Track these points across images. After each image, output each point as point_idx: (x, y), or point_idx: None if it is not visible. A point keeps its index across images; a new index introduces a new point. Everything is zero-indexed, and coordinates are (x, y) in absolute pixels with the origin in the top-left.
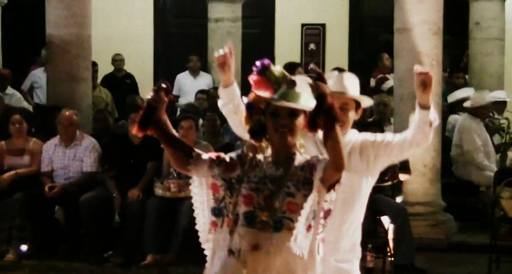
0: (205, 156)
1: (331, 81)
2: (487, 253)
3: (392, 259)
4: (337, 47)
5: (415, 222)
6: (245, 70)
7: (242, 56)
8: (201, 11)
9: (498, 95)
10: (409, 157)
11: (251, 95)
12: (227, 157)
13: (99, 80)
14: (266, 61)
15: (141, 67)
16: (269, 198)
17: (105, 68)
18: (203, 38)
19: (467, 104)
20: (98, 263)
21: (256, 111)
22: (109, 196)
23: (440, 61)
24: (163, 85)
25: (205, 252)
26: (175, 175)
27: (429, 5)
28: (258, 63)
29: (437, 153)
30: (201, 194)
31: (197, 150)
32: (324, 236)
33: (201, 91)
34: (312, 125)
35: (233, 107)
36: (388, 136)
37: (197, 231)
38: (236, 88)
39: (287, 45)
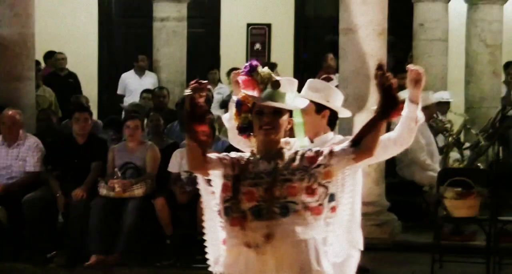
0: (212, 155)
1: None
2: (431, 253)
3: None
4: (283, 47)
5: None
6: (191, 69)
7: (187, 56)
8: (146, 10)
9: (442, 96)
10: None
11: (240, 95)
12: (227, 157)
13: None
14: (254, 62)
15: (86, 67)
16: (269, 189)
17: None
18: (148, 38)
19: None
20: (41, 264)
21: (243, 109)
22: (53, 196)
23: (384, 62)
24: (203, 82)
25: (209, 250)
26: (120, 175)
27: (373, 6)
28: (246, 64)
29: None
30: (212, 195)
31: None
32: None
33: (146, 91)
34: (384, 114)
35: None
36: None
37: (141, 231)
38: None
39: (232, 45)
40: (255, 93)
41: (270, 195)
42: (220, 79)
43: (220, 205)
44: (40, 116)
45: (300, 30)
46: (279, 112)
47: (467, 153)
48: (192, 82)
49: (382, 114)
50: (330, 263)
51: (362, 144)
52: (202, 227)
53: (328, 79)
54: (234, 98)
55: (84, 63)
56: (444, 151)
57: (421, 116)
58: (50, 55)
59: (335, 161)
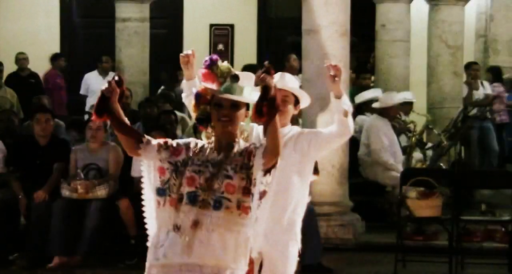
0: (154, 141)
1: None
2: (394, 252)
3: (299, 259)
4: (246, 47)
5: (322, 222)
6: (153, 70)
7: (150, 57)
8: (108, 11)
9: (405, 96)
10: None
11: (199, 87)
12: (174, 143)
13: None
14: (215, 56)
15: (47, 68)
16: (210, 179)
17: (11, 68)
18: (110, 38)
19: (375, 105)
20: (3, 266)
21: (202, 101)
22: (15, 197)
23: (347, 63)
24: (116, 78)
25: (148, 228)
26: (82, 176)
27: (336, 7)
28: (207, 58)
29: (345, 153)
30: (149, 176)
31: (147, 137)
32: (259, 216)
33: None
34: (259, 114)
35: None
36: (319, 128)
37: (103, 233)
38: (197, 82)
39: (195, 46)
40: (214, 86)
41: (209, 185)
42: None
43: (157, 186)
44: (1, 117)
45: (262, 31)
46: (237, 105)
47: (429, 153)
48: (111, 79)
49: (258, 114)
50: (248, 258)
51: (266, 148)
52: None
53: None
54: (194, 90)
55: (45, 64)
56: (407, 151)
57: (348, 107)
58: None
59: (255, 161)
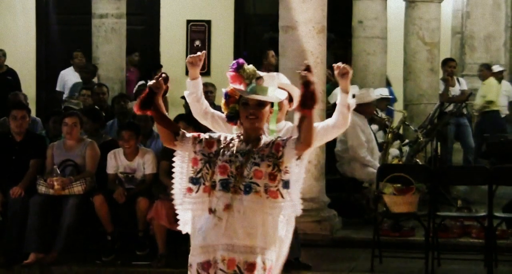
0: (188, 134)
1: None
2: (370, 248)
3: None
4: (223, 44)
5: (299, 218)
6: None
7: (127, 53)
8: (84, 7)
9: (381, 92)
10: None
11: (228, 88)
12: (206, 136)
13: None
14: (241, 60)
15: (24, 64)
16: (240, 168)
17: None
18: (87, 35)
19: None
20: None
21: (231, 101)
22: None
23: (324, 60)
24: (164, 75)
25: (180, 213)
26: (59, 172)
27: (313, 4)
28: (234, 62)
29: (322, 150)
30: (182, 166)
31: (182, 130)
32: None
33: (85, 88)
34: (303, 106)
35: (196, 96)
36: (318, 123)
37: (80, 230)
38: (200, 82)
39: (172, 42)
40: (241, 87)
41: (239, 173)
42: None
43: (190, 174)
44: None
45: (240, 27)
46: (262, 104)
47: (406, 149)
48: (158, 75)
49: (303, 106)
50: (277, 237)
51: (299, 138)
52: (142, 224)
53: None
54: (223, 90)
55: (21, 60)
56: (383, 148)
57: (352, 103)
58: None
59: (285, 152)
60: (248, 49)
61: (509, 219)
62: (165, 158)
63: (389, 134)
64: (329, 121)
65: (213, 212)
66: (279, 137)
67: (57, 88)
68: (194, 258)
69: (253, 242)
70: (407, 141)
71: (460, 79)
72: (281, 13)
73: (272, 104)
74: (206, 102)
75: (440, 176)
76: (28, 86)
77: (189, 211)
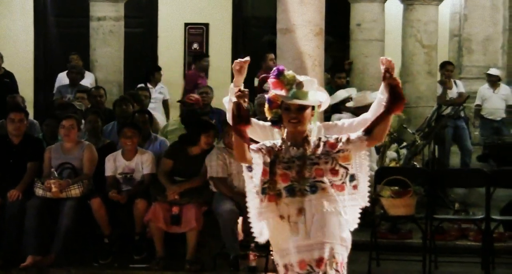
0: (253, 147)
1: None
2: (368, 251)
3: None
4: (221, 47)
5: None
6: (128, 69)
7: (125, 56)
8: (83, 10)
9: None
10: None
11: (270, 94)
12: (263, 146)
13: None
14: (281, 67)
15: (22, 66)
16: (300, 171)
17: None
18: (85, 37)
19: (350, 104)
20: None
21: (274, 106)
22: None
23: (322, 62)
24: (245, 90)
25: (253, 224)
26: (56, 175)
27: (311, 6)
28: (274, 68)
29: None
30: (256, 177)
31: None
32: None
33: (80, 91)
34: (393, 106)
35: None
36: (346, 120)
37: (78, 233)
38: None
39: (170, 45)
40: (283, 92)
41: (301, 176)
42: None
43: (259, 186)
44: None
45: (237, 30)
46: (303, 108)
47: (403, 152)
48: (237, 91)
49: (390, 108)
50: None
51: (374, 133)
52: (139, 226)
53: (267, 79)
54: (266, 97)
55: (19, 62)
56: (381, 150)
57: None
58: None
59: (352, 146)
60: (246, 52)
61: (507, 221)
62: (170, 156)
63: (386, 137)
64: (366, 115)
65: (286, 218)
66: (329, 136)
67: (55, 91)
68: (279, 260)
69: (323, 239)
70: (404, 143)
71: (458, 81)
72: (279, 15)
73: (313, 107)
74: None
75: (437, 178)
76: (26, 88)
77: (264, 220)
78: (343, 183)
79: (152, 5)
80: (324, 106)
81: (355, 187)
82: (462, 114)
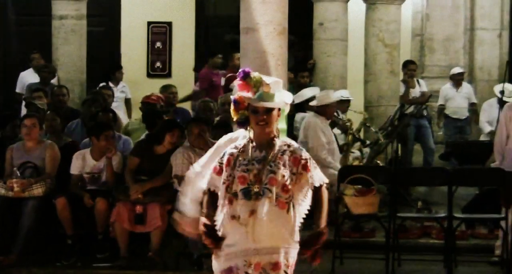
0: (218, 182)
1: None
2: (331, 249)
3: None
4: (184, 45)
5: None
6: (90, 68)
7: (87, 55)
8: (44, 8)
9: (342, 94)
10: None
11: (236, 95)
12: (224, 160)
13: None
14: (247, 69)
15: None
16: (258, 175)
17: None
18: (46, 36)
19: (313, 103)
20: None
21: (241, 107)
22: None
23: (285, 61)
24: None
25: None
26: (19, 175)
27: (274, 5)
28: (240, 70)
29: None
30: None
31: (213, 187)
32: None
33: (36, 89)
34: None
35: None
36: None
37: (40, 231)
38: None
39: (133, 43)
40: (249, 94)
41: (258, 180)
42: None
43: (222, 187)
44: None
45: (200, 29)
46: (271, 109)
47: (366, 150)
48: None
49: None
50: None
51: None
52: (101, 226)
53: (233, 79)
54: (232, 97)
55: None
56: (344, 149)
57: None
58: None
59: (296, 188)
60: (209, 51)
61: (468, 219)
62: (137, 155)
63: (350, 136)
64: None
65: (235, 218)
66: (295, 144)
67: (17, 90)
68: (218, 266)
69: (276, 243)
70: (367, 142)
71: (420, 81)
72: (242, 14)
73: (279, 108)
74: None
75: (400, 177)
76: None
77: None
78: (287, 203)
79: (114, 4)
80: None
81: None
82: (424, 113)
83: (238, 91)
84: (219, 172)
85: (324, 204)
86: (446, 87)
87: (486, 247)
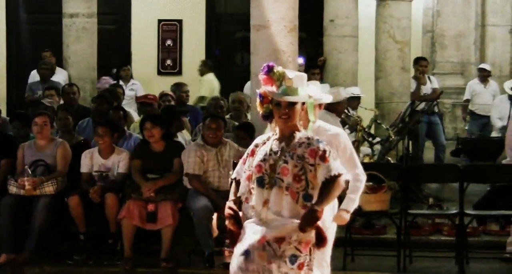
0: (243, 177)
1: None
2: (342, 247)
3: None
4: (194, 43)
5: None
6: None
7: (98, 53)
8: (55, 6)
9: (352, 91)
10: None
11: (261, 90)
12: (249, 151)
13: None
14: (271, 63)
15: None
16: (273, 165)
17: None
18: (58, 34)
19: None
20: None
21: (265, 101)
22: None
23: (295, 58)
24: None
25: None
26: (30, 173)
27: (285, 2)
28: (264, 65)
29: None
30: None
31: (239, 176)
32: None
33: (49, 87)
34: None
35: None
36: (347, 144)
37: (52, 229)
38: None
39: (143, 41)
40: (273, 89)
41: (273, 170)
42: (132, 76)
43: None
44: None
45: (211, 26)
46: (294, 103)
47: (377, 147)
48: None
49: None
50: None
51: (321, 190)
52: (112, 224)
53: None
54: (257, 91)
55: None
56: (354, 146)
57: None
58: None
59: (318, 173)
60: (220, 48)
61: (480, 216)
62: (137, 156)
63: (359, 133)
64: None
65: (253, 208)
66: (315, 138)
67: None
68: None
69: (288, 231)
70: (378, 139)
71: (431, 77)
72: (253, 12)
73: (303, 102)
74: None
75: (411, 174)
76: None
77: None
78: (297, 193)
79: (125, 2)
80: (323, 100)
81: (304, 207)
82: (436, 109)
83: (262, 86)
84: (244, 162)
85: (332, 192)
86: (474, 83)
87: (498, 244)
